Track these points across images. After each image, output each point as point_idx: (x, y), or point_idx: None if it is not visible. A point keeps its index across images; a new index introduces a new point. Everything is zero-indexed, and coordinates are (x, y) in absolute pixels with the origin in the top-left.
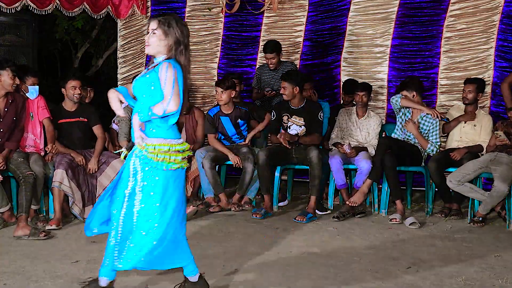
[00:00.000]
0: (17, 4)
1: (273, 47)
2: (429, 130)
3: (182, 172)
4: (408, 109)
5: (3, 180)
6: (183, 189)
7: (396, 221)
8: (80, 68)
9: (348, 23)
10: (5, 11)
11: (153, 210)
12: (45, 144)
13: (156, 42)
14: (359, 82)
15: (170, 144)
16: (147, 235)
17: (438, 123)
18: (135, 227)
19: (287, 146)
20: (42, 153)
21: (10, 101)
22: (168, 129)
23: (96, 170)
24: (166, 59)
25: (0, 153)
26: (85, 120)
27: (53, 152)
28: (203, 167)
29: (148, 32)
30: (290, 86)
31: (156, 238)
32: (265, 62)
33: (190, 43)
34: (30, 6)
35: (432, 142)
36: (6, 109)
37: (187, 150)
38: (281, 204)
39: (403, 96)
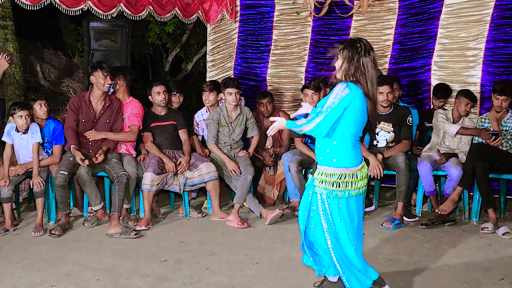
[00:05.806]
0: (113, 11)
1: None
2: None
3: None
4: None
5: (97, 180)
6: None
7: (488, 231)
8: (170, 72)
9: (439, 26)
10: (102, 17)
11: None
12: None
13: (336, 65)
14: (449, 86)
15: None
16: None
17: None
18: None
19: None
20: (134, 155)
21: (107, 104)
22: (333, 157)
23: (186, 169)
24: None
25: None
26: (175, 123)
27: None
28: (289, 170)
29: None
30: (393, 90)
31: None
32: None
33: (278, 47)
34: (125, 12)
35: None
36: (102, 112)
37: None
38: (368, 209)
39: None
